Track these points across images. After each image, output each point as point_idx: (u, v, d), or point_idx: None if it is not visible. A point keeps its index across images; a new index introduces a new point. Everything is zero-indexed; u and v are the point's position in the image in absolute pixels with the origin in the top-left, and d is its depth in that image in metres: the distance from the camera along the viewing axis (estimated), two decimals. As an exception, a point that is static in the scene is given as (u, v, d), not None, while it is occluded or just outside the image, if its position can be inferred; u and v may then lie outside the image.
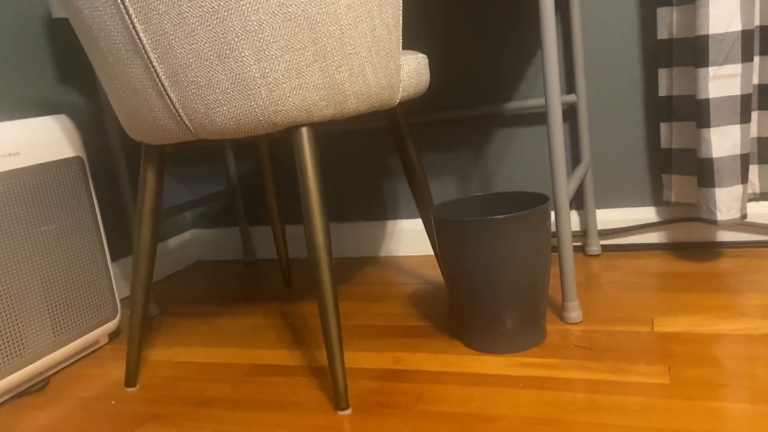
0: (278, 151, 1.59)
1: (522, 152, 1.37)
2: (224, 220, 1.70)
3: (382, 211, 1.52)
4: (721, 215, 1.09)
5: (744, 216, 1.10)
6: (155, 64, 0.80)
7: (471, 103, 1.38)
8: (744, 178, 1.08)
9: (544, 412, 0.76)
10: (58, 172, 1.08)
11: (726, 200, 1.08)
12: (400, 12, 0.89)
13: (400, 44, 0.91)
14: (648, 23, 1.22)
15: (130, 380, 1.00)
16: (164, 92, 0.82)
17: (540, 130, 1.34)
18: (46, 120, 1.09)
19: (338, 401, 0.84)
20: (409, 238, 1.49)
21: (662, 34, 1.16)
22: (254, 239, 1.66)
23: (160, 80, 0.81)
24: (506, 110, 1.33)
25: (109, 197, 1.47)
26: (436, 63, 1.39)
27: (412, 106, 1.43)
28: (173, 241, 1.65)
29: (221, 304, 1.34)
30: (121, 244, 1.49)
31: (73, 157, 1.11)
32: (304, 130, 0.83)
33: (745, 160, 1.07)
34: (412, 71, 0.95)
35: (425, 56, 1.00)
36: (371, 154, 1.50)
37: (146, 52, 0.80)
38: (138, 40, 0.79)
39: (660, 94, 1.19)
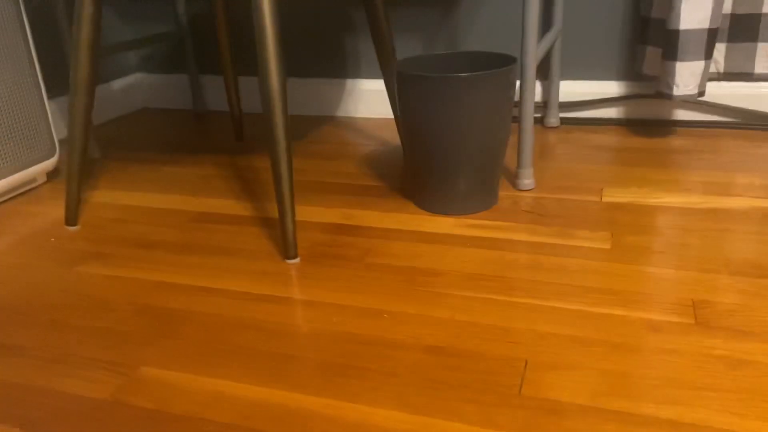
0: (233, -7, 1.47)
1: (493, 12, 1.30)
2: (172, 65, 1.60)
3: (343, 68, 1.45)
4: (677, 90, 1.08)
5: (701, 93, 1.09)
6: None
7: (444, -45, 1.29)
8: (708, 54, 1.06)
9: (487, 269, 0.78)
10: (-19, -11, 0.97)
11: (685, 75, 1.06)
12: None
13: None
14: None
15: (70, 219, 0.96)
16: None
17: (513, -9, 1.27)
18: (-37, -74, 0.95)
19: (287, 250, 0.84)
20: (369, 99, 1.44)
21: None
22: (205, 89, 1.58)
23: None
24: (480, -34, 1.25)
25: (45, 31, 1.35)
26: None
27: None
28: (117, 84, 1.56)
29: (168, 152, 1.29)
30: (58, 83, 1.38)
31: (-2, -25, 0.99)
32: (261, -42, 0.75)
33: (712, 35, 1.05)
34: None
35: None
36: (335, 4, 1.40)
37: None
38: None
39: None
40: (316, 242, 0.88)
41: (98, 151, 1.28)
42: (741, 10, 1.10)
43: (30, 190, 1.12)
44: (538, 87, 1.32)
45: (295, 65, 1.48)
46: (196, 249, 0.88)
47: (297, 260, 0.84)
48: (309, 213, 0.97)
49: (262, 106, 0.79)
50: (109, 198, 1.07)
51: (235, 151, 1.28)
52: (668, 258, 0.78)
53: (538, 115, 1.34)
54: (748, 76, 1.16)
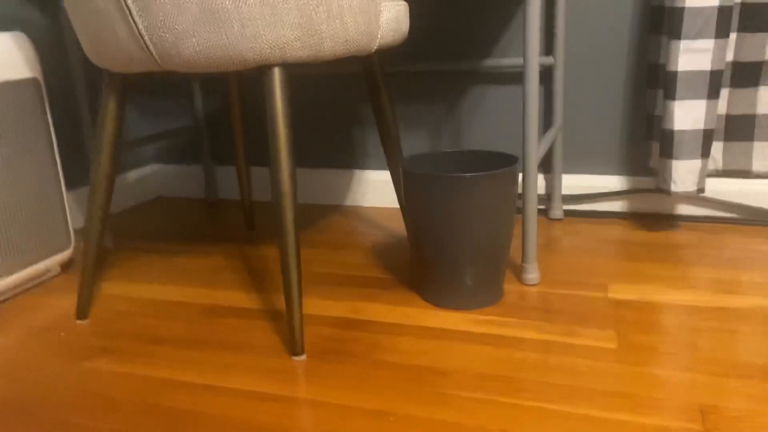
0: (248, 88, 1.54)
1: (495, 111, 1.36)
2: (187, 156, 1.66)
3: (351, 159, 1.50)
4: (675, 187, 1.11)
5: (701, 190, 1.12)
6: (121, -15, 0.75)
7: (448, 57, 1.36)
8: (705, 153, 1.10)
9: (495, 369, 0.78)
10: (12, 92, 1.03)
11: (682, 173, 1.10)
12: (385, -46, 0.86)
13: (382, -12, 0.87)
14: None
15: (81, 312, 0.98)
16: (130, 16, 0.77)
17: (514, 90, 1.33)
18: (0, 36, 1.02)
19: (294, 346, 0.84)
20: (375, 189, 1.48)
21: (654, 0, 1.15)
22: (218, 179, 1.63)
23: (126, 3, 0.76)
24: (483, 67, 1.32)
25: (67, 124, 1.41)
26: (417, 12, 1.35)
27: (387, 54, 1.39)
28: (133, 175, 1.61)
29: (180, 242, 1.32)
30: (77, 174, 1.44)
31: (29, 78, 1.05)
32: (277, 71, 0.80)
33: (707, 135, 1.09)
34: (392, 18, 0.92)
35: (406, 4, 0.97)
36: (344, 100, 1.47)
37: (112, -28, 0.75)
38: (104, -42, 0.74)
39: (650, 61, 1.19)
40: (323, 337, 0.89)
41: (111, 242, 1.31)
42: (735, 112, 1.15)
43: (43, 281, 1.14)
44: (541, 180, 1.35)
45: (304, 156, 1.54)
46: (203, 344, 0.89)
47: (303, 357, 0.84)
48: (317, 306, 0.98)
49: (272, 199, 0.82)
50: (120, 290, 1.09)
51: (246, 241, 1.30)
52: (675, 360, 0.78)
53: (542, 207, 1.36)
54: (746, 174, 1.19)
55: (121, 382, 0.80)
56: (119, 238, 1.36)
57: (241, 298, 1.03)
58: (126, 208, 1.59)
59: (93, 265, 0.97)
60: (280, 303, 1.00)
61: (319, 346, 0.86)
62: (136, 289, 1.09)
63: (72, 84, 1.25)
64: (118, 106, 0.92)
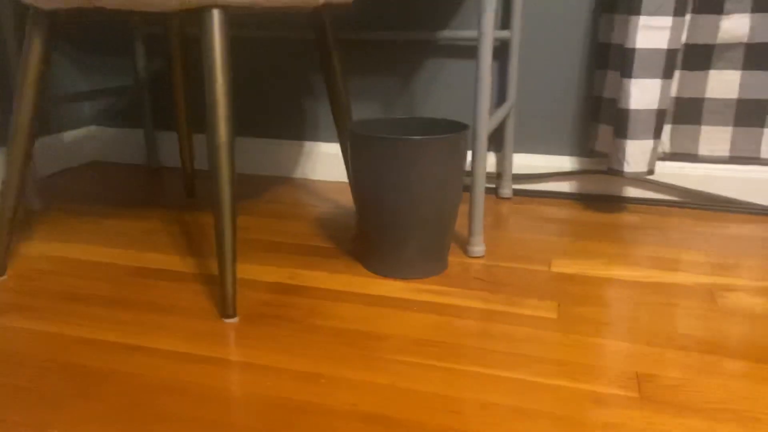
0: (194, 52, 1.47)
1: (451, 84, 1.33)
2: (128, 120, 1.57)
3: (301, 130, 1.46)
4: (628, 167, 1.10)
5: (651, 171, 1.12)
6: None
7: (404, 26, 1.32)
8: (657, 134, 1.10)
9: (434, 335, 0.75)
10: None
11: (635, 153, 1.09)
12: None
13: (334, -63, 0.83)
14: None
15: (-4, 268, 0.91)
16: (56, -58, 0.71)
17: (470, 65, 1.31)
18: None
19: (225, 308, 0.80)
20: (325, 162, 1.44)
21: (608, -22, 1.14)
22: (160, 145, 1.55)
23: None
24: (439, 38, 1.29)
25: (-4, 75, 1.32)
26: (374, -21, 1.32)
27: (340, 20, 1.35)
28: (68, 136, 1.52)
29: (114, 205, 1.25)
30: (3, 131, 1.34)
31: (-52, 16, 0.97)
32: (216, 13, 0.75)
33: (660, 115, 1.09)
34: (344, -29, 0.88)
35: (360, -41, 0.93)
36: (295, 68, 1.42)
37: None
38: None
39: (599, 41, 1.18)
40: (259, 301, 0.84)
41: (39, 203, 1.23)
42: (685, 95, 1.15)
43: (-41, 237, 1.06)
44: (492, 158, 1.34)
45: (253, 125, 1.48)
46: (128, 304, 0.83)
47: (235, 319, 0.80)
48: (254, 272, 0.94)
49: (208, 153, 0.78)
50: (43, 249, 1.02)
51: (185, 208, 1.24)
52: (614, 330, 0.77)
53: (492, 185, 1.35)
54: (693, 157, 1.20)
55: (32, 339, 0.74)
56: (48, 199, 1.28)
57: (173, 261, 0.97)
58: (59, 170, 1.50)
59: (11, 217, 0.89)
60: (215, 268, 0.96)
61: (254, 310, 0.82)
62: (60, 249, 1.02)
63: (1, 31, 1.16)
64: (43, 47, 0.85)
